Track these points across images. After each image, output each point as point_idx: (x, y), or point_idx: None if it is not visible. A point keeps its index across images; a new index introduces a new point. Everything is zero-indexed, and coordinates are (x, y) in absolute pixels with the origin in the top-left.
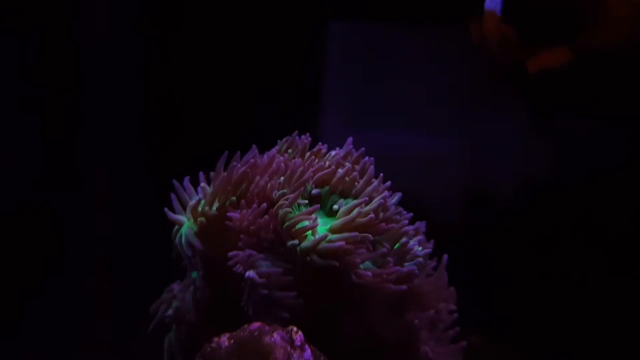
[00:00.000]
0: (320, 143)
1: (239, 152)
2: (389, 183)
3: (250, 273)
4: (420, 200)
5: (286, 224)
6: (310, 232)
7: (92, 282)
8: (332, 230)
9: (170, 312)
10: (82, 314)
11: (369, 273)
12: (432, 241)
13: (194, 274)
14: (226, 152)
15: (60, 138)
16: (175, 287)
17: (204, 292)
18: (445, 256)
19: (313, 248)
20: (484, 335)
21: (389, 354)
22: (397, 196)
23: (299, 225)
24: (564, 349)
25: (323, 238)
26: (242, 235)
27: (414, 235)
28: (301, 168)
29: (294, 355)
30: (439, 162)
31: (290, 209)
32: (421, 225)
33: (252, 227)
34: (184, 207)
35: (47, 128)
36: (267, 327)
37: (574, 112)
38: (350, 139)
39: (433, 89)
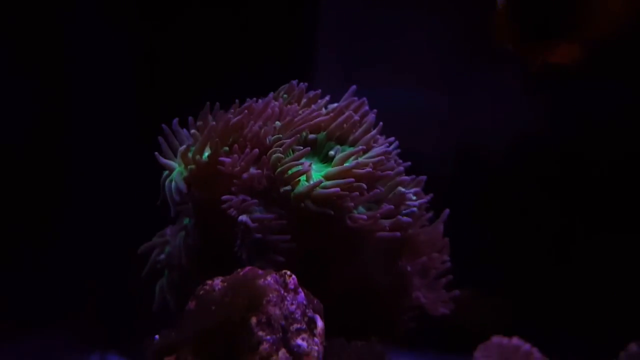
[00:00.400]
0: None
1: (217, 104)
2: (392, 139)
3: (244, 217)
4: (412, 156)
5: (279, 169)
6: (304, 177)
7: (83, 229)
8: (327, 178)
9: (162, 256)
10: (73, 261)
11: (364, 216)
12: (430, 195)
13: (186, 220)
14: (208, 103)
15: (48, 92)
16: (168, 231)
17: (195, 238)
18: (447, 210)
19: (307, 194)
20: (475, 290)
21: (382, 299)
22: (395, 145)
23: (292, 171)
24: (554, 308)
25: (318, 184)
26: (235, 180)
27: (411, 186)
28: (301, 115)
29: (288, 297)
30: (431, 118)
31: (282, 155)
32: (422, 178)
33: (245, 175)
34: (175, 152)
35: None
36: (260, 271)
37: (566, 69)
38: (353, 87)
39: (427, 45)
